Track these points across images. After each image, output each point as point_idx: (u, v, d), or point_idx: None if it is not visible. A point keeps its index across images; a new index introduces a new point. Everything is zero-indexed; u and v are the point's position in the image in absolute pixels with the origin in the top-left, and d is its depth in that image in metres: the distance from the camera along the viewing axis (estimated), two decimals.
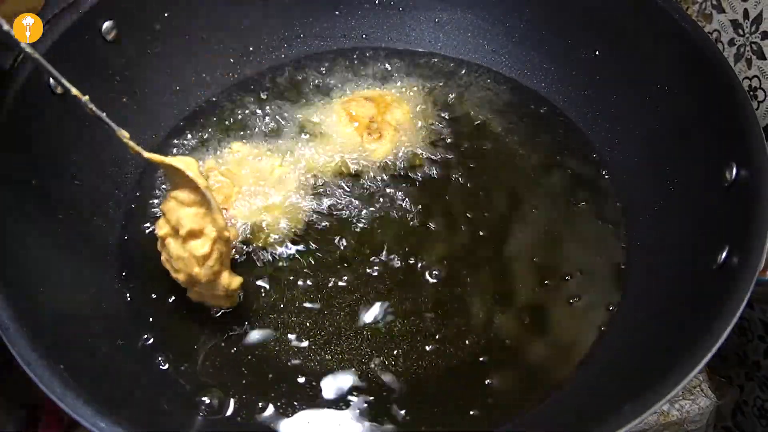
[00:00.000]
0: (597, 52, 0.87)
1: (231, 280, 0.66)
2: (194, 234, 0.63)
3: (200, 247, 0.63)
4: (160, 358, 0.67)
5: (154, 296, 0.72)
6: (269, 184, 0.79)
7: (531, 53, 0.93)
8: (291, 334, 0.70)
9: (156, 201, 0.80)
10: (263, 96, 0.91)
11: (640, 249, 0.75)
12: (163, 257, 0.67)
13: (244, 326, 0.70)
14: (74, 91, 0.59)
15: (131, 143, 0.62)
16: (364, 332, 0.70)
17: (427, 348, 0.69)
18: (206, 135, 0.87)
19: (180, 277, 0.66)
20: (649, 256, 0.74)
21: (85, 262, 0.71)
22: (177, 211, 0.63)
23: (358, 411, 0.65)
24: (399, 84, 0.92)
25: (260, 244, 0.76)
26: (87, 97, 0.60)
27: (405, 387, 0.66)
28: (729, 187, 0.64)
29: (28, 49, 0.57)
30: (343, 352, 0.68)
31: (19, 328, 0.54)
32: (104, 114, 0.61)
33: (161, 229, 0.65)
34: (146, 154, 0.62)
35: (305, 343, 0.69)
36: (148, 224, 0.78)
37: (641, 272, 0.73)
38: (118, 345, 0.67)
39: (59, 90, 0.71)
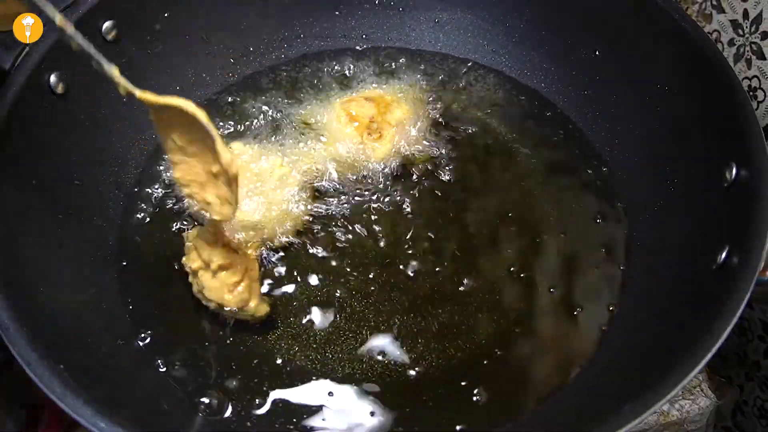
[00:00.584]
0: (597, 52, 0.87)
1: (258, 309, 0.68)
2: (224, 267, 0.65)
3: (231, 275, 0.65)
4: (159, 360, 0.67)
5: (154, 296, 0.72)
6: (270, 184, 0.79)
7: (531, 53, 0.93)
8: (290, 333, 0.70)
9: (156, 201, 0.80)
10: (263, 96, 0.91)
11: (640, 249, 0.75)
12: (195, 289, 0.68)
13: (244, 326, 0.70)
14: (59, 19, 0.53)
15: (123, 80, 0.57)
16: (364, 332, 0.70)
17: (428, 348, 0.69)
18: None
19: (211, 306, 0.67)
20: (649, 256, 0.74)
21: (85, 262, 0.71)
22: (206, 250, 0.65)
23: (358, 409, 0.65)
24: (399, 84, 0.92)
25: (260, 244, 0.75)
26: (72, 28, 0.54)
27: (404, 386, 0.66)
28: (729, 187, 0.64)
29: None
30: (342, 352, 0.69)
31: (19, 328, 0.54)
32: (92, 47, 0.55)
33: (194, 262, 0.67)
34: (139, 93, 0.57)
35: (305, 343, 0.69)
36: (148, 224, 0.78)
37: (641, 272, 0.73)
38: (118, 345, 0.67)
39: (59, 90, 0.71)
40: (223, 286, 0.65)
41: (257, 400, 0.65)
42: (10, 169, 0.66)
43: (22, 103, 0.67)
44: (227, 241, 0.66)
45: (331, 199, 0.80)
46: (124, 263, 0.74)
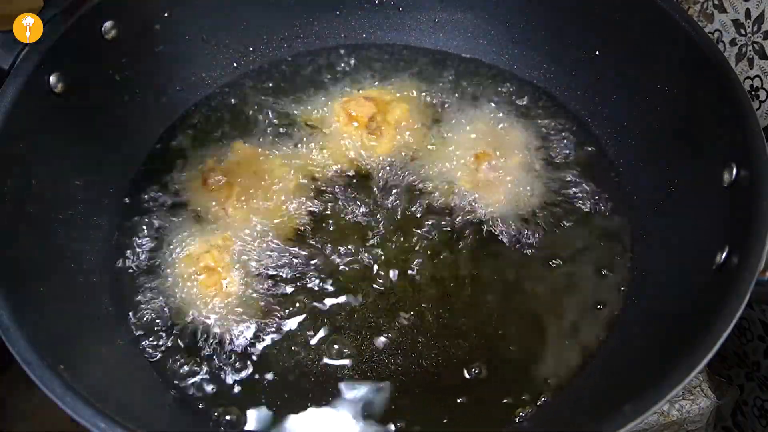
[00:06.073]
0: (597, 52, 0.87)
1: None
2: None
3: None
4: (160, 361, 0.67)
5: (154, 296, 0.72)
6: (269, 183, 0.79)
7: (531, 53, 0.93)
8: (293, 335, 0.70)
9: (154, 200, 0.80)
10: (263, 96, 0.91)
11: (640, 249, 0.75)
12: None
13: (246, 328, 0.70)
14: None
15: None
16: (364, 332, 0.70)
17: (428, 348, 0.69)
18: (206, 135, 0.86)
19: None
20: (648, 256, 0.74)
21: (85, 262, 0.71)
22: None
23: (360, 410, 0.65)
24: (399, 83, 0.92)
25: (260, 244, 0.75)
26: None
27: (404, 387, 0.66)
28: (729, 188, 0.64)
29: None
30: (342, 352, 0.69)
31: (19, 328, 0.54)
32: None
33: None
34: None
35: (305, 345, 0.69)
36: (147, 224, 0.78)
37: (641, 272, 0.73)
38: (119, 345, 0.67)
39: (59, 90, 0.71)
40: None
41: (256, 400, 0.65)
42: (10, 169, 0.66)
43: (22, 103, 0.67)
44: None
45: (330, 199, 0.80)
46: (125, 264, 0.74)
